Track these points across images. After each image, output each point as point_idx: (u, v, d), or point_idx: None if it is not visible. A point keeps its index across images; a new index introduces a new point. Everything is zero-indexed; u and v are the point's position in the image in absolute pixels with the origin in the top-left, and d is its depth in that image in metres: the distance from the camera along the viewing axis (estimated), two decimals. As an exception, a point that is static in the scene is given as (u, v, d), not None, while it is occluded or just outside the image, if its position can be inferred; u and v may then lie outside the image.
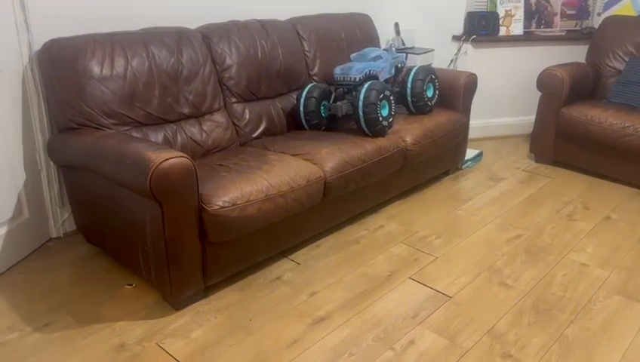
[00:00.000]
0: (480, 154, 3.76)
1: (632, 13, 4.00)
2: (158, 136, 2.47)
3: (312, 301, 2.24)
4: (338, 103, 2.92)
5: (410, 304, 2.23)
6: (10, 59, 2.32)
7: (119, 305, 2.19)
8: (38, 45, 2.36)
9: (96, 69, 2.32)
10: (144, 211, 1.98)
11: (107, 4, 2.57)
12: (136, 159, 1.87)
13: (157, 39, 2.54)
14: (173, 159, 1.85)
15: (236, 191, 2.10)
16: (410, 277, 2.41)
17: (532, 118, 3.74)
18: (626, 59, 3.75)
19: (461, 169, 3.62)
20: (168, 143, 2.50)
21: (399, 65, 3.30)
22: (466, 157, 3.65)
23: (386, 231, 2.83)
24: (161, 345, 1.97)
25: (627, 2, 4.04)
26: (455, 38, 3.97)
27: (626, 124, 3.29)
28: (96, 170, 2.09)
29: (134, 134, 2.39)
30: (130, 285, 2.31)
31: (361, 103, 2.75)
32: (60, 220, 2.67)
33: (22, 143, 2.43)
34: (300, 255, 2.57)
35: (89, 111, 2.29)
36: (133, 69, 2.42)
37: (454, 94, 3.36)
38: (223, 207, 2.02)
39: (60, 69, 2.30)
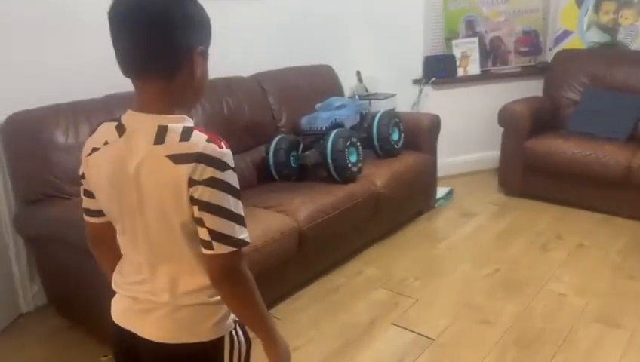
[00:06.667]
0: (451, 192, 3.81)
1: (582, 46, 4.19)
2: (127, 200, 2.45)
3: (295, 357, 2.18)
4: (307, 153, 2.95)
5: (394, 351, 2.20)
6: (-28, 135, 2.30)
7: (95, 378, 2.11)
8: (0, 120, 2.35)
9: (61, 139, 2.32)
10: (116, 279, 1.93)
11: (68, 76, 2.58)
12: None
13: (120, 104, 2.55)
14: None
15: (209, 251, 2.07)
16: (392, 323, 2.39)
17: (497, 152, 3.83)
18: (581, 89, 3.90)
19: (434, 208, 3.66)
20: (138, 207, 2.47)
21: (363, 112, 3.37)
22: (438, 196, 3.69)
23: (365, 276, 2.82)
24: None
25: (576, 36, 4.23)
26: (415, 81, 4.09)
27: (588, 152, 3.39)
28: (64, 240, 2.05)
29: (103, 201, 2.36)
30: (106, 356, 2.23)
31: (329, 151, 2.79)
32: (31, 294, 2.59)
33: (-13, 219, 2.38)
34: (280, 309, 2.53)
35: (56, 181, 2.27)
36: (98, 135, 2.41)
37: (419, 136, 3.43)
38: (196, 269, 1.99)
39: (24, 142, 2.29)
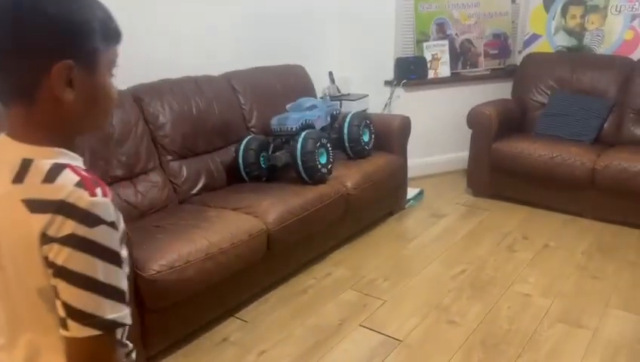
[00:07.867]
0: (421, 193, 3.84)
1: (549, 49, 4.27)
2: (91, 201, 2.39)
3: (263, 360, 2.17)
4: (277, 154, 2.94)
5: (362, 352, 2.20)
6: None
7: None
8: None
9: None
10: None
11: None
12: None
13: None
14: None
15: (173, 254, 2.04)
16: (360, 324, 2.39)
17: (466, 153, 3.87)
18: (549, 92, 3.97)
19: (404, 208, 3.67)
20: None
21: (335, 113, 3.36)
22: (408, 197, 3.71)
23: (334, 278, 2.81)
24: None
25: (544, 40, 4.30)
26: (387, 83, 4.11)
27: (554, 154, 3.45)
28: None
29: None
30: None
31: (299, 152, 2.77)
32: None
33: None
34: (248, 312, 2.51)
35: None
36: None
37: (390, 137, 3.44)
38: (159, 272, 1.96)
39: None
